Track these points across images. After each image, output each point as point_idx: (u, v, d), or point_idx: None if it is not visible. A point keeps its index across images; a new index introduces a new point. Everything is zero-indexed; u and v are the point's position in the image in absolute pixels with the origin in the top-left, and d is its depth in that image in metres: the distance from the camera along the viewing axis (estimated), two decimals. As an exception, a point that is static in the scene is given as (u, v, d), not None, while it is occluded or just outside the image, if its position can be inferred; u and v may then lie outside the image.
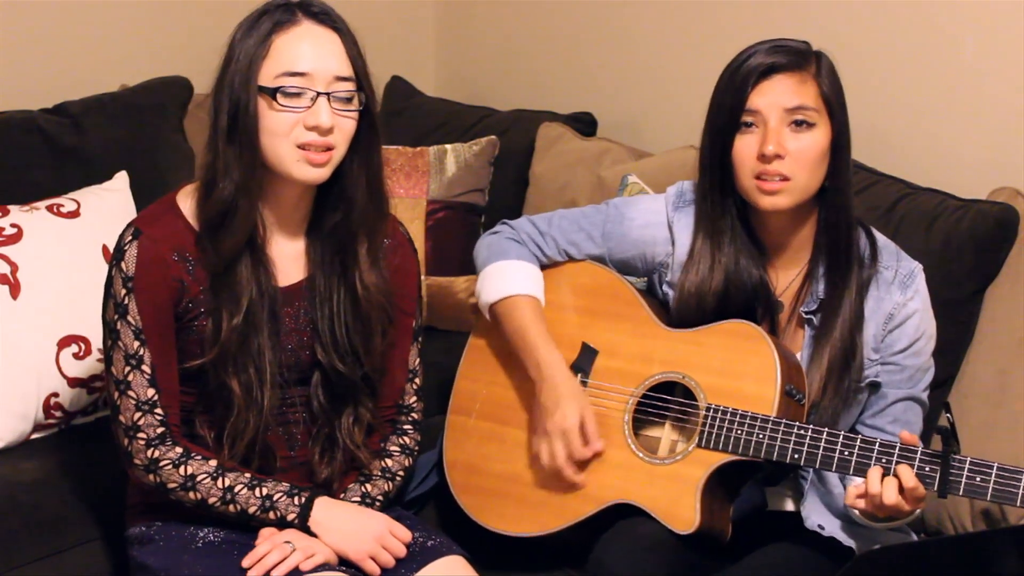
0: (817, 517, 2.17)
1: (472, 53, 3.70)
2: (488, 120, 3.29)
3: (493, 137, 3.17)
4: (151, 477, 2.05)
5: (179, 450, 2.05)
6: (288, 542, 2.02)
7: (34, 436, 2.55)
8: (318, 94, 1.99)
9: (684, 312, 2.22)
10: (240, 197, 2.00)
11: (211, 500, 2.05)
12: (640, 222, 2.30)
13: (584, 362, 2.29)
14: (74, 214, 2.66)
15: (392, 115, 3.42)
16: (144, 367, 2.03)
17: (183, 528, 2.08)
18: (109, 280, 2.05)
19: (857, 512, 2.08)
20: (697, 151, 2.81)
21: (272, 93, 1.98)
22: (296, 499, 2.06)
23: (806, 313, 2.18)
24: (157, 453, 2.05)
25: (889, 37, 2.76)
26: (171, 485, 2.05)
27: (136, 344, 2.03)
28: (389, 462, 2.20)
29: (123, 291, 2.02)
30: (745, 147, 2.11)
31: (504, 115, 3.30)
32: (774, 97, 2.09)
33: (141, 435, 2.04)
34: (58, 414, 2.56)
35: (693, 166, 2.37)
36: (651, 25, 3.22)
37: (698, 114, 2.22)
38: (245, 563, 2.00)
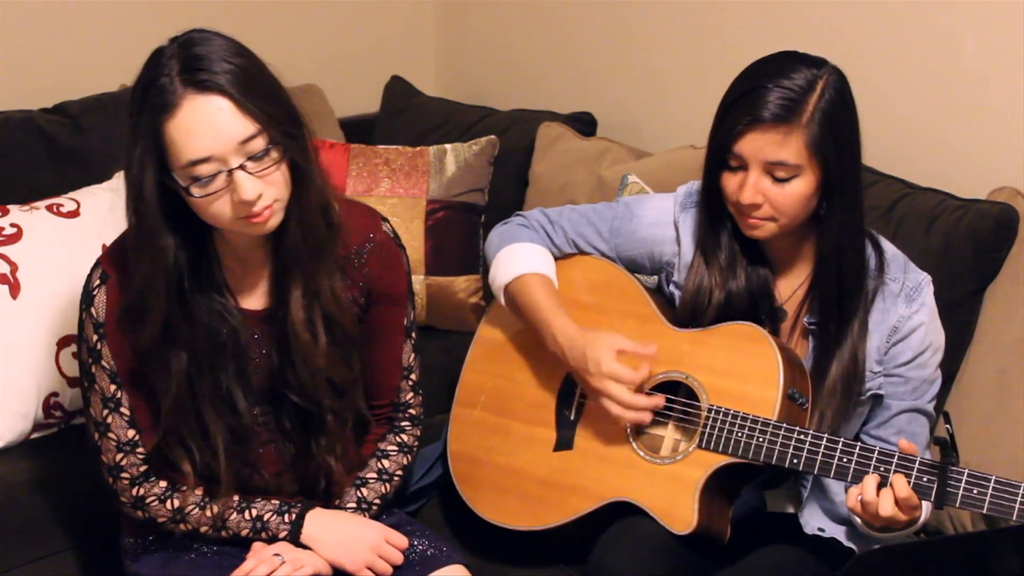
0: (816, 522, 2.17)
1: (472, 53, 3.70)
2: (488, 120, 3.28)
3: (493, 137, 3.17)
4: (139, 513, 2.05)
5: (163, 484, 2.05)
6: (277, 555, 2.01)
7: (34, 436, 2.55)
8: (231, 170, 1.85)
9: (683, 317, 2.22)
10: (149, 302, 1.93)
11: (203, 529, 2.05)
12: (648, 220, 2.29)
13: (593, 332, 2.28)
14: (74, 214, 2.66)
15: (392, 115, 3.42)
16: (123, 409, 2.02)
17: (177, 540, 2.08)
18: (81, 323, 2.03)
19: (859, 520, 2.07)
20: (697, 151, 2.83)
21: (186, 190, 1.86)
22: (286, 516, 2.05)
23: (809, 324, 2.18)
24: (142, 491, 2.04)
25: (889, 37, 2.76)
26: (160, 519, 2.05)
27: (113, 387, 2.01)
28: (386, 463, 2.18)
29: (95, 336, 2.00)
30: (729, 185, 2.09)
31: (504, 115, 3.30)
32: (755, 149, 2.04)
33: (124, 475, 2.04)
34: (58, 414, 2.56)
35: (693, 166, 2.37)
36: (651, 25, 3.22)
37: (698, 114, 2.21)
38: None
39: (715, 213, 2.16)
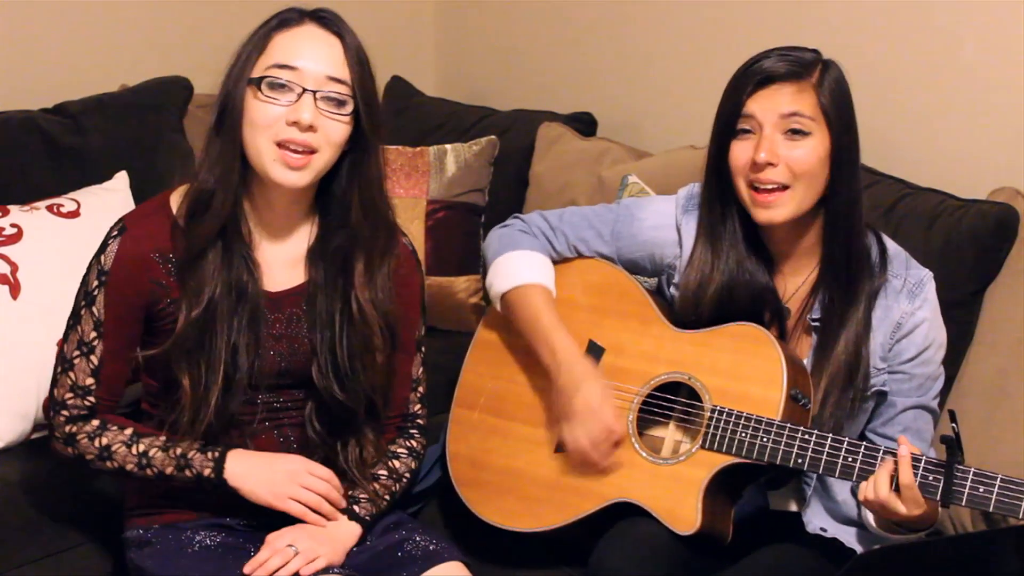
0: (820, 521, 2.17)
1: (472, 53, 3.70)
2: (488, 120, 3.28)
3: (493, 137, 3.17)
4: (69, 450, 2.09)
5: (96, 423, 2.08)
6: (291, 546, 2.02)
7: (34, 436, 2.55)
8: (304, 90, 1.98)
9: (683, 312, 2.22)
10: (218, 187, 2.00)
11: (128, 467, 2.06)
12: (650, 223, 2.30)
13: (590, 360, 2.29)
14: (74, 214, 2.66)
15: (392, 115, 3.42)
16: (92, 357, 2.06)
17: (179, 532, 2.09)
18: (89, 266, 2.08)
19: (872, 521, 2.07)
20: (697, 151, 2.83)
21: (258, 83, 1.98)
22: (209, 454, 2.05)
23: (812, 320, 2.17)
24: (75, 428, 2.08)
25: (889, 37, 2.76)
26: (88, 456, 2.08)
27: (93, 335, 2.06)
28: (396, 463, 2.20)
29: (95, 282, 2.05)
30: (740, 153, 2.11)
31: (504, 115, 3.30)
32: (769, 103, 2.08)
33: (64, 412, 2.08)
34: (58, 414, 2.56)
35: (693, 166, 2.38)
36: (651, 25, 3.22)
37: (698, 114, 2.22)
38: (247, 570, 2.00)
39: (722, 196, 2.16)
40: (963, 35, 2.64)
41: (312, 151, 1.99)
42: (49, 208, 2.65)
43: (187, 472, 2.05)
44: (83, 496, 2.41)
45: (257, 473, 2.05)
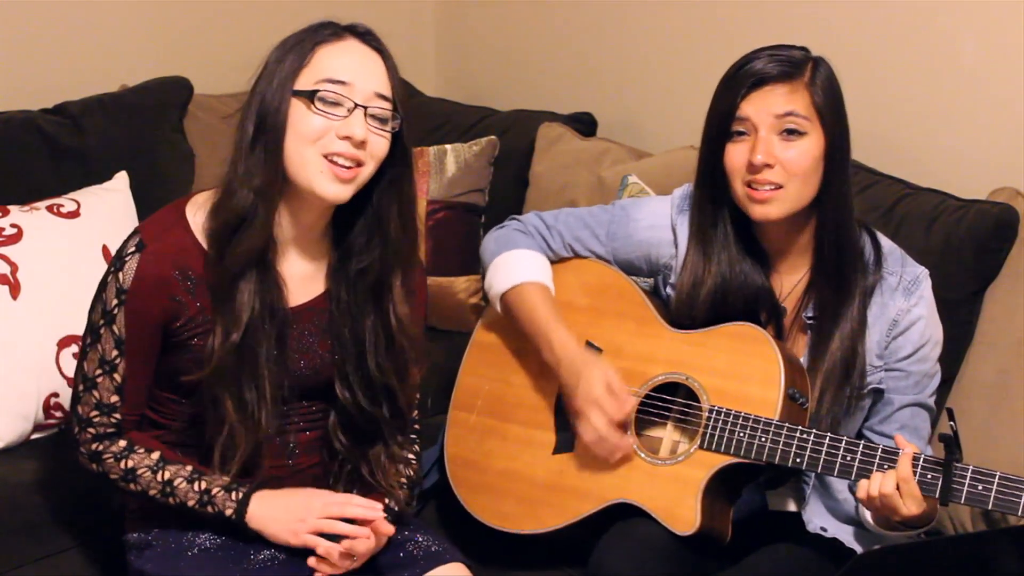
0: (820, 520, 2.17)
1: (472, 53, 3.70)
2: (488, 120, 3.29)
3: (493, 137, 3.17)
4: (94, 466, 2.08)
5: (123, 443, 2.07)
6: (353, 560, 2.02)
7: (34, 436, 2.55)
8: (356, 105, 1.98)
9: (678, 315, 2.22)
10: (259, 203, 1.97)
11: (151, 492, 2.05)
12: (645, 223, 2.30)
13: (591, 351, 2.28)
14: (74, 214, 2.67)
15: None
16: (115, 375, 2.04)
17: (180, 535, 2.08)
18: (104, 283, 2.04)
19: (869, 519, 2.07)
20: (696, 151, 2.83)
21: (310, 96, 1.97)
22: (234, 495, 2.04)
23: (808, 319, 2.18)
24: (101, 447, 2.07)
25: (889, 37, 2.76)
26: (112, 476, 2.07)
27: (115, 353, 2.03)
28: (410, 470, 2.20)
29: (115, 300, 2.01)
30: (736, 155, 2.11)
31: (504, 115, 3.30)
32: (764, 105, 2.08)
33: (91, 429, 2.07)
34: (58, 414, 2.56)
35: (693, 166, 2.38)
36: (651, 25, 3.22)
37: (698, 114, 2.22)
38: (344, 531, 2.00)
39: (714, 198, 2.17)
40: (963, 35, 2.64)
41: (360, 164, 1.99)
42: (49, 208, 2.65)
43: (209, 509, 2.04)
44: (83, 496, 2.40)
45: (276, 514, 2.03)
